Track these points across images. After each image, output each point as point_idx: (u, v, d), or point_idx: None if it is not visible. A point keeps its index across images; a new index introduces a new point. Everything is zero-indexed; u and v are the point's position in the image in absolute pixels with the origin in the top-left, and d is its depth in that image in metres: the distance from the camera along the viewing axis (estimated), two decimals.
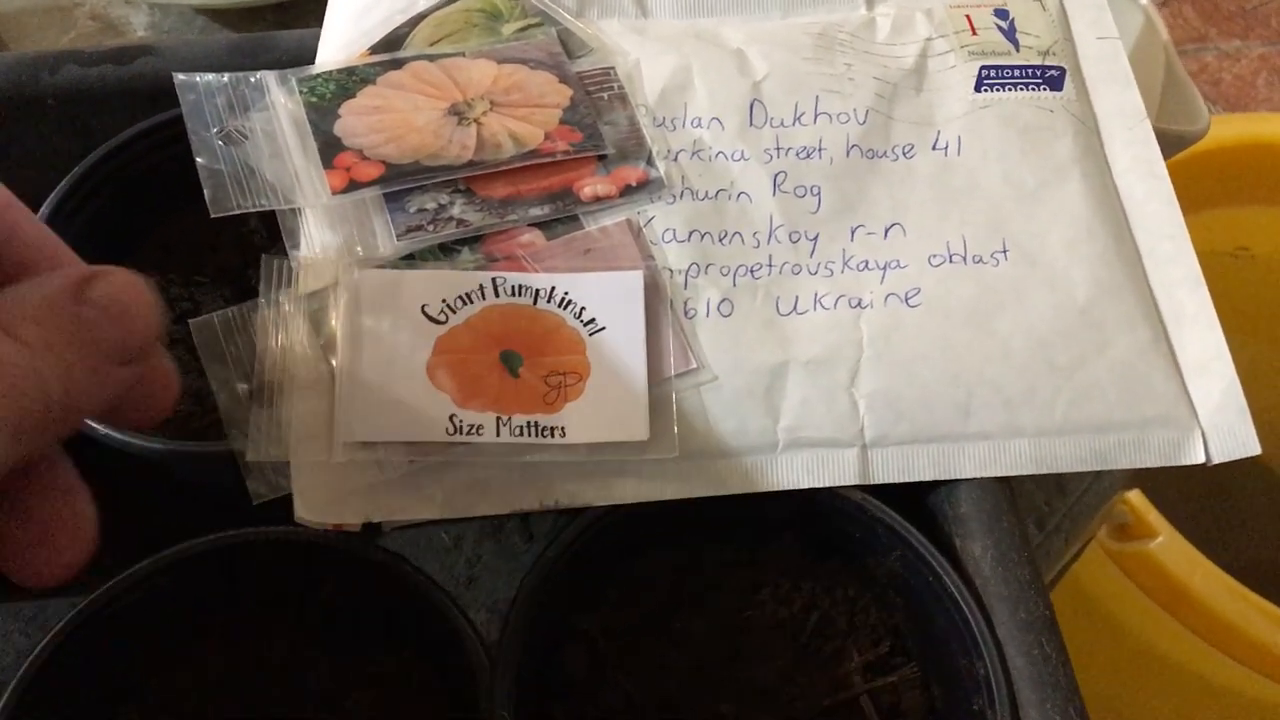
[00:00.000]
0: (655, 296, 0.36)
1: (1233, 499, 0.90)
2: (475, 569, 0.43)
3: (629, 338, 0.35)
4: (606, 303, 0.35)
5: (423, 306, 0.34)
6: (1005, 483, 0.36)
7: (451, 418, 0.33)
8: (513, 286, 0.35)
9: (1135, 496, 0.73)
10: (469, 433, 0.33)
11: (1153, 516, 0.73)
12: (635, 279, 0.35)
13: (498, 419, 0.33)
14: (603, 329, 0.35)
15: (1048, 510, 0.54)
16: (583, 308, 0.35)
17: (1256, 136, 0.86)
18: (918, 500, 0.38)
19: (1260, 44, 1.15)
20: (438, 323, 0.34)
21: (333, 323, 0.34)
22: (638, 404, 0.34)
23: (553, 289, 0.35)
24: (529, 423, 0.33)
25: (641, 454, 0.34)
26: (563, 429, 0.33)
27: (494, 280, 0.35)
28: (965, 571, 0.36)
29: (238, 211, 0.34)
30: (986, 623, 0.34)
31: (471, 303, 0.34)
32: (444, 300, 0.34)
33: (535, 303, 0.35)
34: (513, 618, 0.34)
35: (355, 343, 0.33)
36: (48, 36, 0.55)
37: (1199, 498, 0.84)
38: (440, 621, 0.34)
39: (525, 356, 0.34)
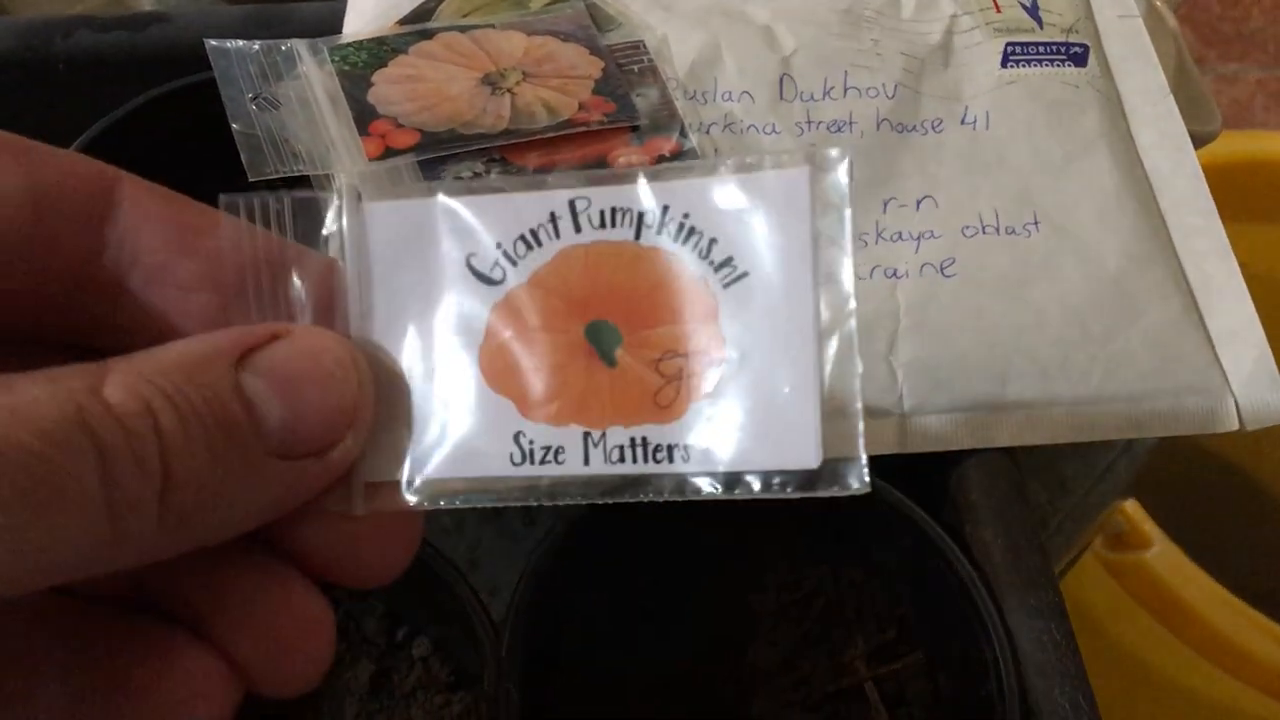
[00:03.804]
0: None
1: (1227, 514, 0.90)
2: (476, 552, 0.42)
3: (790, 286, 0.22)
4: (751, 228, 0.22)
5: (468, 258, 0.23)
6: (1015, 470, 0.36)
7: (517, 437, 0.22)
8: (604, 212, 0.23)
9: (1131, 506, 0.73)
10: (543, 459, 0.22)
11: (1148, 526, 0.74)
12: (799, 181, 0.22)
13: (585, 436, 0.22)
14: (744, 275, 0.22)
15: (1050, 510, 0.54)
16: (713, 240, 0.22)
17: (1255, 155, 0.86)
18: (927, 486, 0.38)
19: (1258, 68, 1.16)
20: (491, 282, 0.23)
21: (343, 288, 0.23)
22: (804, 406, 0.22)
23: (666, 210, 0.22)
24: (634, 439, 0.22)
25: (809, 488, 0.22)
26: (685, 448, 0.22)
27: (573, 204, 0.23)
28: (975, 558, 0.36)
29: (274, 176, 0.34)
30: (996, 609, 0.34)
31: (539, 244, 0.23)
32: (499, 244, 0.23)
33: (638, 236, 0.22)
34: (519, 593, 0.33)
35: (366, 321, 0.23)
36: (55, 8, 0.54)
37: (1195, 512, 0.84)
38: (447, 595, 0.34)
39: (625, 329, 0.23)
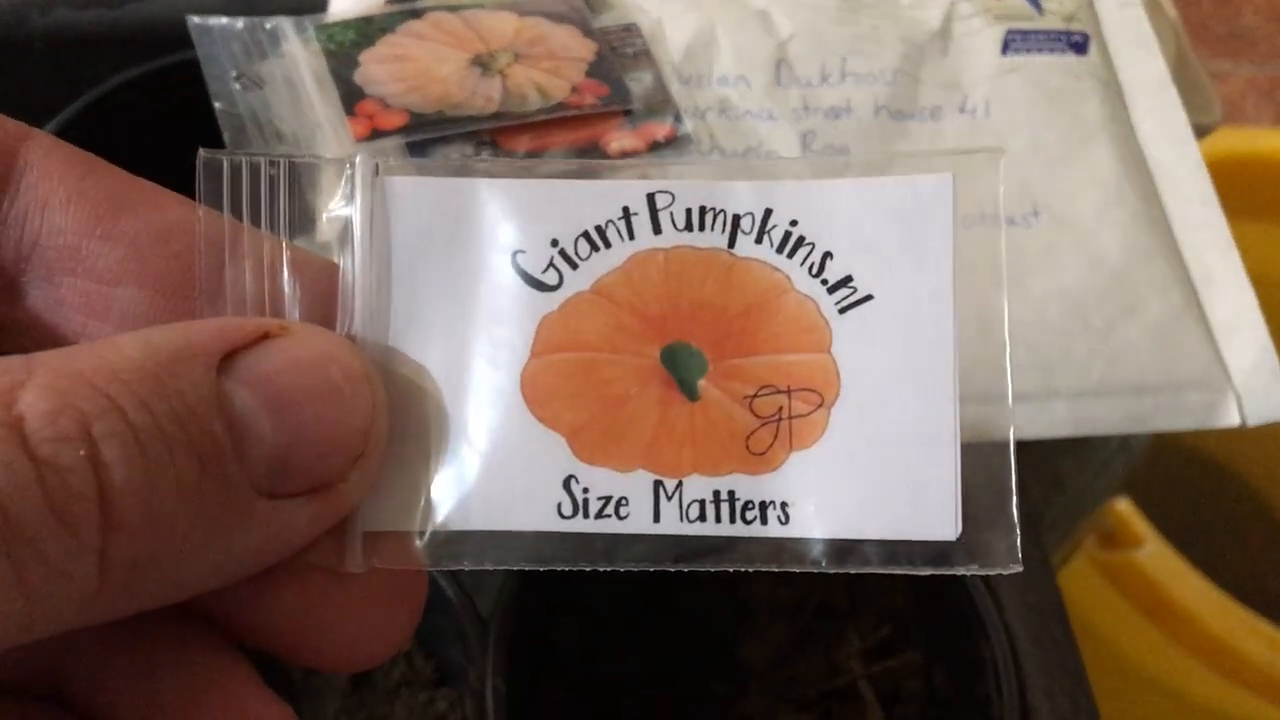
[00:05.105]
0: None
1: (1218, 514, 0.90)
2: None
3: (924, 316, 0.18)
4: (877, 243, 0.18)
5: (515, 254, 0.18)
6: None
7: (568, 483, 0.18)
8: (690, 211, 0.18)
9: (1123, 505, 0.73)
10: (601, 513, 0.18)
11: (1139, 525, 0.73)
12: (940, 189, 0.18)
13: (657, 486, 0.18)
14: (866, 299, 0.18)
15: (1045, 507, 0.54)
16: (826, 254, 0.18)
17: (1246, 152, 0.85)
18: None
19: (1249, 66, 1.16)
20: (543, 287, 0.18)
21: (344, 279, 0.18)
22: (940, 463, 0.18)
23: (769, 214, 0.18)
24: (718, 493, 0.18)
25: (944, 564, 0.18)
26: (783, 506, 0.18)
27: (653, 198, 0.18)
28: None
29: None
30: (995, 606, 0.34)
31: (607, 245, 0.18)
32: (556, 241, 0.18)
33: (733, 243, 0.18)
34: (506, 587, 0.33)
35: (379, 324, 0.18)
36: None
37: (1186, 512, 0.83)
38: (431, 588, 0.33)
39: (712, 356, 0.18)
